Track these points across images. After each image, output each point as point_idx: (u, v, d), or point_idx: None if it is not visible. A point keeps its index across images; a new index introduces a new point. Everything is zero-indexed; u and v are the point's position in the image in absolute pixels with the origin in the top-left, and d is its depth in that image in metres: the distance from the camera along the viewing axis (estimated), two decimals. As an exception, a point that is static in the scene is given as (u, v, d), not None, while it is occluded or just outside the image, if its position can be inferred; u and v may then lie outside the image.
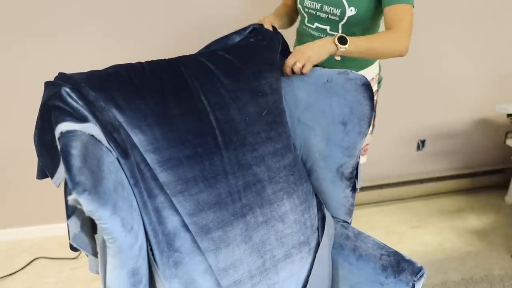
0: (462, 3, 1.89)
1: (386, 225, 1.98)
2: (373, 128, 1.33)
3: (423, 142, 2.18)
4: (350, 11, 1.07)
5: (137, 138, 0.78)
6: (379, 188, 2.16)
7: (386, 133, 2.10)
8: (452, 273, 1.64)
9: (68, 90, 0.73)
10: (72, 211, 0.68)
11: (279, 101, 0.99)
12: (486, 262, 1.70)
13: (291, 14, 1.28)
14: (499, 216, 2.04)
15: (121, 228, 0.63)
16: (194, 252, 0.79)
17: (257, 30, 1.07)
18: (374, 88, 1.28)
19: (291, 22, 1.27)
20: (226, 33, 1.07)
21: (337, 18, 1.10)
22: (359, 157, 0.94)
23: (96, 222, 0.59)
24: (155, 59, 0.90)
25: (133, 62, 0.87)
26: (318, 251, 0.95)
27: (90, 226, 0.71)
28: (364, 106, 0.87)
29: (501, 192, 2.24)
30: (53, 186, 0.70)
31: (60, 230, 1.85)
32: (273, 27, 1.10)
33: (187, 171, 0.82)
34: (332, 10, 1.09)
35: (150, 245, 0.75)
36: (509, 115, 1.92)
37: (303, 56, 0.97)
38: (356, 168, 0.94)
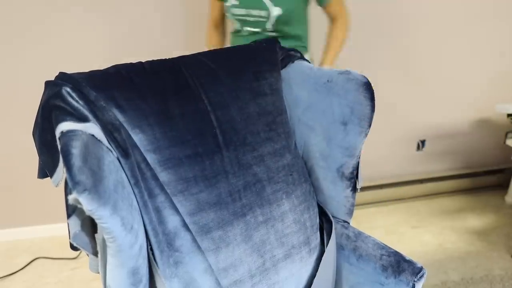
0: (462, 3, 1.90)
1: (386, 225, 1.98)
2: None
3: (423, 142, 2.18)
4: (276, 11, 1.14)
5: (138, 137, 0.78)
6: (379, 188, 2.16)
7: (386, 133, 2.10)
8: (452, 273, 1.64)
9: (68, 89, 0.73)
10: (72, 210, 0.68)
11: (279, 101, 0.99)
12: (486, 262, 1.70)
13: (223, 30, 1.40)
14: (499, 216, 2.04)
15: (121, 227, 0.63)
16: (194, 252, 0.79)
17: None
18: None
19: (224, 38, 1.43)
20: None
21: (264, 20, 1.17)
22: (359, 157, 0.94)
23: (96, 221, 0.59)
24: (155, 58, 0.90)
25: (133, 62, 0.87)
26: (324, 255, 0.95)
27: (90, 226, 0.71)
28: (364, 106, 0.87)
29: (501, 192, 2.25)
30: (53, 186, 0.70)
31: (60, 230, 1.85)
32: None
33: (188, 171, 0.82)
34: (259, 13, 1.16)
35: (150, 244, 0.76)
36: (509, 115, 1.92)
37: None
38: (357, 168, 0.94)
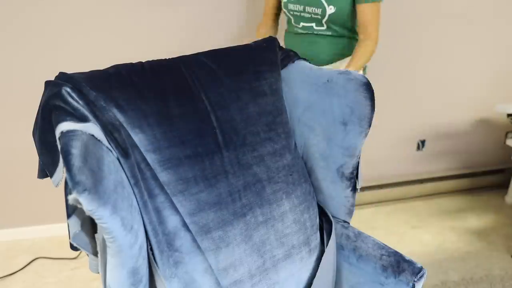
0: (462, 3, 1.90)
1: (386, 225, 1.98)
2: None
3: (423, 142, 2.18)
4: (330, 10, 1.23)
5: (138, 137, 0.78)
6: (379, 188, 2.16)
7: (386, 133, 2.10)
8: (452, 273, 1.64)
9: (68, 89, 0.73)
10: (72, 210, 0.68)
11: (279, 101, 0.99)
12: (486, 262, 1.70)
13: (275, 25, 1.47)
14: (499, 216, 2.04)
15: (121, 227, 0.63)
16: (194, 252, 0.79)
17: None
18: None
19: (276, 32, 1.49)
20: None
21: (319, 17, 1.26)
22: (359, 157, 0.94)
23: (96, 221, 0.59)
24: (155, 58, 0.90)
25: (133, 62, 0.87)
26: (324, 255, 0.95)
27: (90, 226, 0.71)
28: (364, 106, 0.87)
29: (501, 192, 2.25)
30: (53, 186, 0.70)
31: (60, 230, 1.85)
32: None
33: (188, 171, 0.82)
34: (314, 10, 1.26)
35: (150, 244, 0.76)
36: (509, 115, 1.92)
37: None
38: (357, 168, 0.94)
